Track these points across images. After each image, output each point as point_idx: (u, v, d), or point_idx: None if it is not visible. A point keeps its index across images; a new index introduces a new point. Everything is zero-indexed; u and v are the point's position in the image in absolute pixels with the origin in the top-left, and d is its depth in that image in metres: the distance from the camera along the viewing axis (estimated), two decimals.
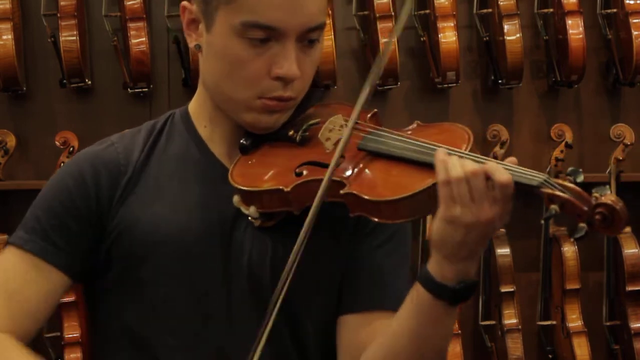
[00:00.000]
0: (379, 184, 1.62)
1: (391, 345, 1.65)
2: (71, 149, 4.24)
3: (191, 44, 1.72)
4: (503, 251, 4.39)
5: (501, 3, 4.42)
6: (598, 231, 1.52)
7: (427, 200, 1.57)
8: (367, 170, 1.64)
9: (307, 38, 1.67)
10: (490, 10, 4.51)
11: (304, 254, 1.59)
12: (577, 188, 1.52)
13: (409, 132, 1.70)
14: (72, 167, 1.74)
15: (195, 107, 1.78)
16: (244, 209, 1.69)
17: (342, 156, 1.63)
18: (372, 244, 1.75)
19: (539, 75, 4.69)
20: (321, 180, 1.60)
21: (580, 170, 1.55)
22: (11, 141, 4.36)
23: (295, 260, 1.58)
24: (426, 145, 1.62)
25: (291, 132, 1.73)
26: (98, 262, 1.72)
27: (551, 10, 4.54)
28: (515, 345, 4.37)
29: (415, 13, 4.46)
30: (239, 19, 1.63)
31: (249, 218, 1.69)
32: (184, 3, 1.72)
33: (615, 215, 1.50)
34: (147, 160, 1.74)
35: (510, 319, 4.40)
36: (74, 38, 4.26)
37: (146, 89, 4.39)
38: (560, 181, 1.52)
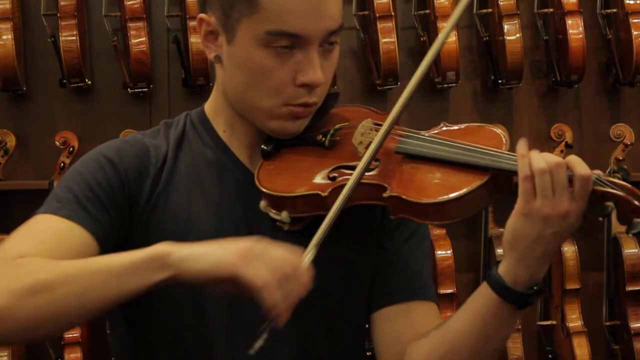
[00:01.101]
0: (425, 187, 1.62)
1: (452, 343, 1.68)
2: (71, 149, 4.23)
3: (210, 55, 1.71)
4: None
5: (501, 3, 4.42)
6: None
7: (474, 202, 1.58)
8: (409, 173, 1.64)
9: (328, 41, 1.67)
10: (490, 10, 4.51)
11: (333, 261, 1.60)
12: (628, 185, 1.54)
13: (439, 134, 1.70)
14: (103, 154, 1.70)
15: (212, 112, 1.78)
16: (273, 215, 1.68)
17: (376, 160, 1.63)
18: (400, 239, 1.78)
19: (539, 75, 4.69)
20: (358, 183, 1.59)
21: (625, 167, 1.59)
22: (11, 141, 4.36)
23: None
24: (468, 147, 1.62)
25: (319, 137, 1.72)
26: None
27: (551, 10, 4.54)
28: (515, 345, 4.36)
29: (415, 13, 4.46)
30: (264, 29, 1.63)
31: (277, 223, 1.68)
32: (201, 15, 1.70)
33: None
34: (175, 160, 1.73)
35: None
36: (74, 38, 4.26)
37: (146, 89, 4.39)
38: (611, 178, 1.55)
